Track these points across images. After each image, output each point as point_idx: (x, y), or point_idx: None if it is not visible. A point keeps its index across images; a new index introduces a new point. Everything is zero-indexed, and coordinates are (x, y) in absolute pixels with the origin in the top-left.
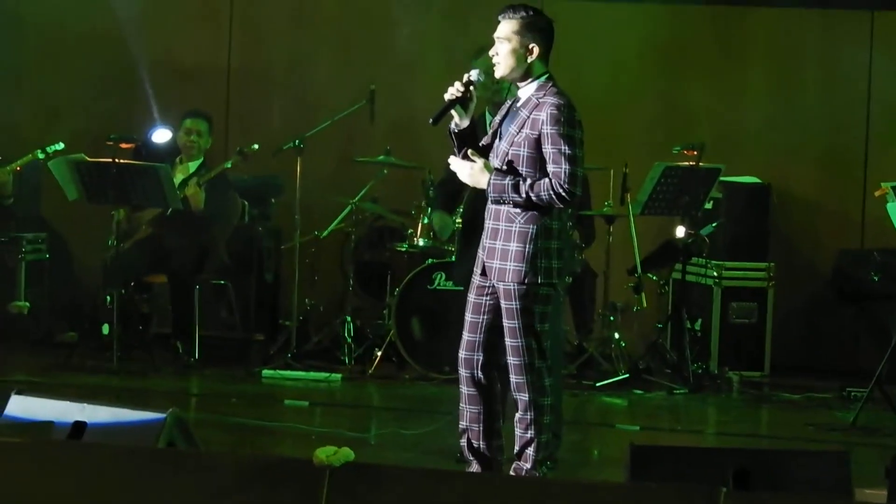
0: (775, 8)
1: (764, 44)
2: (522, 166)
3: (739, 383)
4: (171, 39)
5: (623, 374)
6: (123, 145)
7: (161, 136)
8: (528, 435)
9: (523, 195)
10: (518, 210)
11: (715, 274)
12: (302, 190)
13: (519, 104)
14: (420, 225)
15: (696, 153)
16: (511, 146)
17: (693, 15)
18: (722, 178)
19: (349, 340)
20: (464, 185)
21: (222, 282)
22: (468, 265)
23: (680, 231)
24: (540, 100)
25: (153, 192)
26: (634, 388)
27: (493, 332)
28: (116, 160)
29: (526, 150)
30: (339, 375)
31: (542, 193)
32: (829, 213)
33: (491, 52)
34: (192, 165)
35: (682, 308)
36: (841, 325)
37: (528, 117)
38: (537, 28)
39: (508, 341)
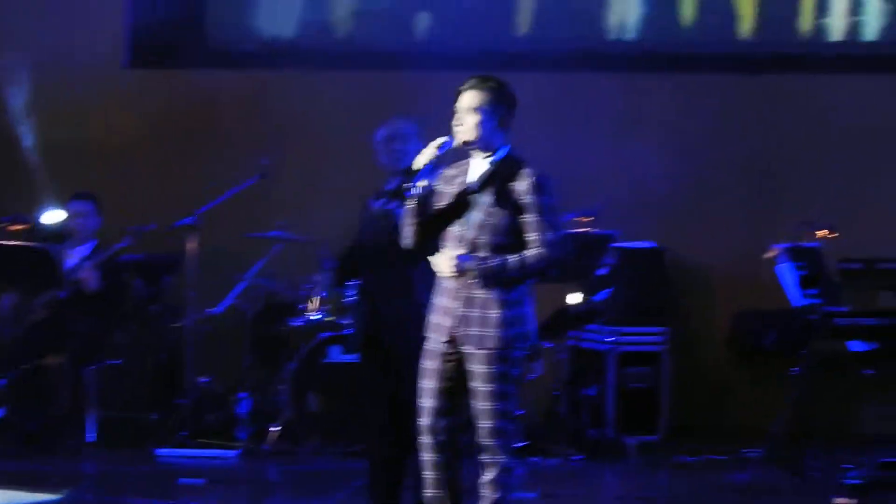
0: (671, 73)
1: (656, 108)
2: (499, 234)
3: (636, 448)
4: (63, 119)
5: (520, 443)
6: (14, 227)
7: (52, 217)
8: (498, 496)
9: (516, 273)
10: None
11: (610, 339)
12: (196, 267)
13: (483, 174)
14: (315, 299)
15: (589, 219)
16: (488, 215)
17: (585, 82)
18: (616, 244)
19: (245, 417)
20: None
21: (118, 362)
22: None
23: (574, 297)
24: (514, 170)
25: (46, 274)
26: (532, 455)
27: (455, 398)
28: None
29: (504, 218)
30: (235, 452)
31: (532, 266)
32: (723, 276)
33: (455, 122)
34: (85, 248)
35: (577, 374)
36: (737, 387)
37: (503, 187)
38: (506, 101)
39: (482, 405)
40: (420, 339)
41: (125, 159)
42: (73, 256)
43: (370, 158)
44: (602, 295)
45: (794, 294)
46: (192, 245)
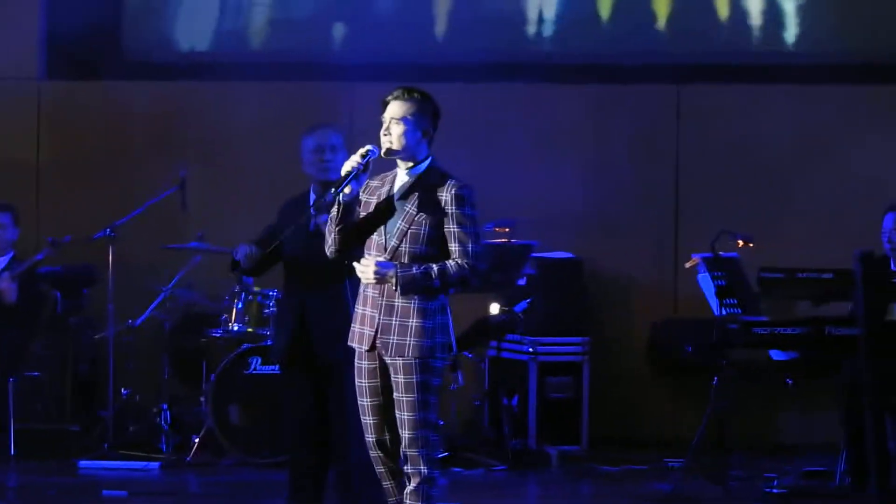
0: (583, 86)
1: (573, 119)
2: (421, 244)
3: (558, 458)
4: None
5: (442, 453)
6: None
7: None
8: None
9: (437, 282)
10: None
11: (530, 350)
12: (115, 279)
13: (407, 184)
14: (234, 310)
15: (507, 230)
16: (410, 225)
17: (502, 93)
18: (534, 254)
19: (166, 429)
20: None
21: (36, 374)
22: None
23: (494, 308)
24: (437, 181)
25: None
26: (454, 466)
27: (392, 410)
28: None
29: (427, 228)
30: (157, 464)
31: (454, 276)
32: (641, 286)
33: (382, 133)
34: (2, 260)
35: (498, 385)
36: (657, 396)
37: (426, 197)
38: (431, 112)
39: (406, 415)
40: (348, 351)
41: (42, 171)
42: None
43: (287, 168)
44: (522, 305)
45: (714, 303)
46: (110, 257)
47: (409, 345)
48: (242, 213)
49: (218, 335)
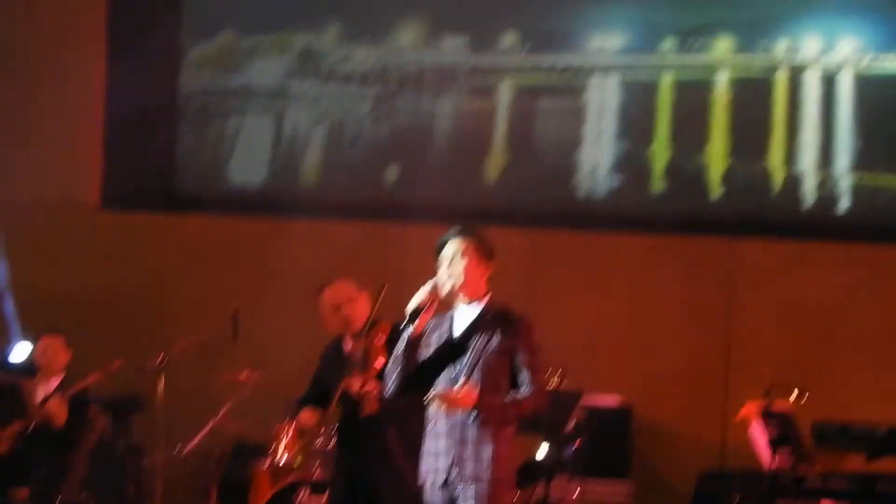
0: (637, 235)
1: (625, 268)
2: (490, 375)
3: None
4: (35, 259)
5: None
6: None
7: (20, 352)
8: None
9: (514, 413)
10: None
11: (576, 492)
12: (164, 407)
13: (472, 319)
14: (282, 442)
15: (557, 379)
16: (479, 358)
17: (553, 240)
18: (584, 401)
19: None
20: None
21: (83, 500)
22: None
23: (542, 450)
24: (502, 315)
25: (13, 407)
26: None
27: None
28: None
29: (495, 359)
30: None
31: (526, 406)
32: (689, 436)
33: (446, 271)
34: (54, 382)
35: None
36: None
37: (495, 330)
38: (489, 250)
39: None
40: (406, 495)
41: (96, 300)
42: (41, 391)
43: None
44: (569, 448)
45: (765, 455)
46: (159, 384)
47: (486, 471)
48: (292, 347)
49: (266, 466)
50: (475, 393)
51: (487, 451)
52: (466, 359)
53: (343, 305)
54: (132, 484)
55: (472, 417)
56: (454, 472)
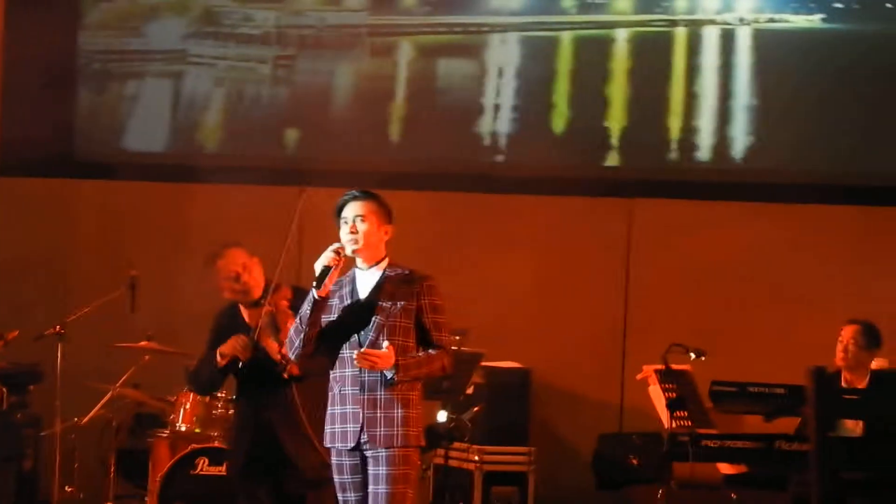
0: (536, 196)
1: (524, 231)
2: (397, 336)
3: None
4: None
5: None
6: None
7: None
8: None
9: (425, 372)
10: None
11: (476, 458)
12: (62, 376)
13: (374, 279)
14: (182, 410)
15: (457, 338)
16: (387, 318)
17: (457, 202)
18: (483, 364)
19: None
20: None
21: None
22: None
23: (441, 416)
24: (404, 275)
25: None
26: None
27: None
28: None
29: (401, 320)
30: None
31: (436, 364)
32: (588, 398)
33: (348, 231)
34: None
35: (444, 492)
36: None
37: (398, 291)
38: (388, 212)
39: None
40: (310, 455)
41: None
42: None
43: None
44: (468, 414)
45: (664, 415)
46: (59, 353)
47: (397, 434)
48: (190, 315)
49: (165, 435)
50: (392, 354)
51: (398, 414)
52: (373, 320)
53: (241, 274)
54: (30, 455)
55: (385, 380)
56: (364, 435)
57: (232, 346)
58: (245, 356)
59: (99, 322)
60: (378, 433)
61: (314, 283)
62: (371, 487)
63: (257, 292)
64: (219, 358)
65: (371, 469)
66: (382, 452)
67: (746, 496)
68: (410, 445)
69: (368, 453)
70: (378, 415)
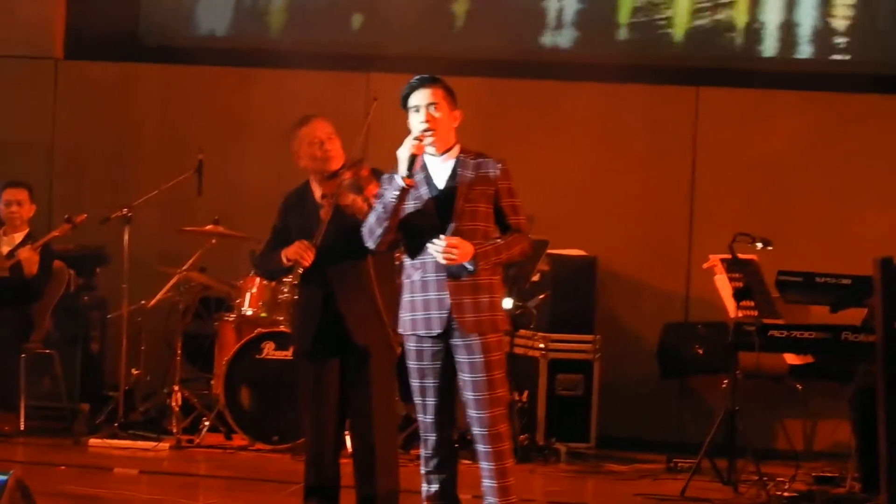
0: (601, 84)
1: (589, 118)
2: (479, 221)
3: (566, 454)
4: None
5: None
6: None
7: None
8: (508, 482)
9: (505, 257)
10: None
11: (541, 346)
12: (129, 259)
13: (449, 167)
14: (248, 295)
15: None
16: (466, 203)
17: (515, 88)
18: (548, 251)
19: (177, 410)
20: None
21: (47, 351)
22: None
23: (507, 303)
24: (478, 160)
25: None
26: (462, 458)
27: (452, 394)
28: None
29: (481, 205)
30: (167, 444)
31: (516, 248)
32: (653, 287)
33: (422, 119)
34: (18, 237)
35: (509, 380)
36: (666, 399)
37: (475, 176)
38: (455, 97)
39: (479, 395)
40: (382, 339)
41: (58, 150)
42: (5, 245)
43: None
44: (534, 301)
45: (730, 305)
46: (126, 237)
47: (488, 320)
48: (257, 199)
49: (231, 319)
50: (471, 245)
51: (485, 299)
52: (454, 208)
53: (325, 142)
54: (97, 337)
55: (469, 266)
56: (456, 320)
57: (295, 251)
58: (307, 262)
59: (165, 205)
60: (468, 319)
61: (402, 172)
62: (468, 376)
63: (336, 163)
64: (284, 261)
65: (464, 357)
66: (475, 339)
67: (811, 387)
68: (499, 330)
69: (457, 341)
70: (465, 301)
